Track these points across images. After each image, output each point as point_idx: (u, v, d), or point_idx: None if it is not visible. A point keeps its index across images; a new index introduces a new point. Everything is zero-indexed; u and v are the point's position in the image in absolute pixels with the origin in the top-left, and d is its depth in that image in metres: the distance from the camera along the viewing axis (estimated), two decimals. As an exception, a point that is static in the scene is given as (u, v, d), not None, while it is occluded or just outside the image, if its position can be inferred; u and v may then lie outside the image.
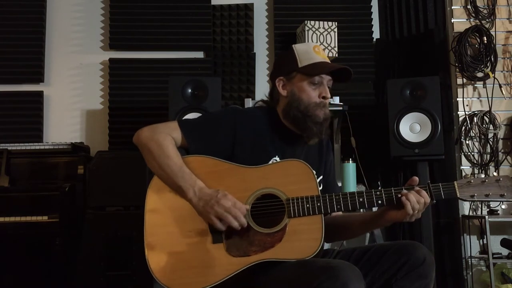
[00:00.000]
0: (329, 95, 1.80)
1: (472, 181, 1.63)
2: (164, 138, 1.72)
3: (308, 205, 1.62)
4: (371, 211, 1.86)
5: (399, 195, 1.63)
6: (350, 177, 3.24)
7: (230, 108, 2.03)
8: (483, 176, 1.63)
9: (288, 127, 1.82)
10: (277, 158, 1.76)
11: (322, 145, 1.92)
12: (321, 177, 1.88)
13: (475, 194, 1.62)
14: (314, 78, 1.78)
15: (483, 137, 3.67)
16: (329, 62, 1.82)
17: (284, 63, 1.86)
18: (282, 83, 1.83)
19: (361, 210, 2.55)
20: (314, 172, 1.66)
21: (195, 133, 1.77)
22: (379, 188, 3.68)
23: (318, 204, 1.62)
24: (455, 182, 1.64)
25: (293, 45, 1.86)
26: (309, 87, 1.78)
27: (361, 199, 1.64)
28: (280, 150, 1.78)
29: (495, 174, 1.69)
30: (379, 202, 1.64)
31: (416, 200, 1.60)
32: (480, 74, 3.68)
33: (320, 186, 1.78)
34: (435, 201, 1.64)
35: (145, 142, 1.74)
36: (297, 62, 1.79)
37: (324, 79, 1.79)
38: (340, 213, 1.86)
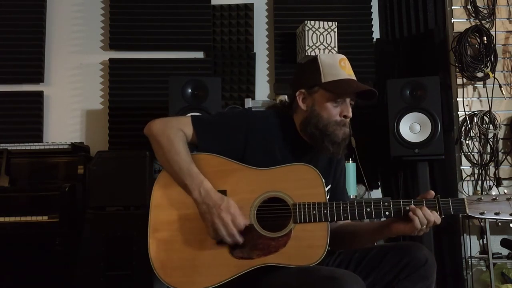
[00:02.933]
0: (350, 114, 1.74)
1: (482, 198, 1.61)
2: (176, 134, 1.70)
3: (314, 212, 1.60)
4: (379, 220, 1.83)
5: (407, 208, 1.61)
6: (350, 177, 3.24)
7: (245, 110, 1.99)
8: (494, 193, 1.61)
9: (302, 137, 1.78)
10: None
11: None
12: (329, 186, 1.85)
13: (485, 212, 1.60)
14: (338, 97, 1.71)
15: (483, 137, 3.68)
16: (355, 78, 1.75)
17: (306, 75, 1.77)
18: (303, 97, 1.76)
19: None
20: (323, 179, 1.64)
21: (208, 132, 1.74)
22: (379, 188, 3.72)
23: (325, 211, 1.60)
24: (465, 198, 1.62)
25: (318, 55, 1.78)
26: (330, 105, 1.71)
27: (368, 209, 1.62)
28: (289, 158, 1.73)
29: (506, 191, 1.67)
30: (387, 213, 1.62)
31: (425, 216, 1.58)
32: (480, 74, 3.68)
33: (327, 195, 1.77)
34: (443, 216, 1.62)
35: (156, 135, 1.72)
36: (321, 76, 1.71)
37: (347, 98, 1.73)
38: (348, 221, 1.83)
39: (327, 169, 1.85)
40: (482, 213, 1.60)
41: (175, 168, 1.66)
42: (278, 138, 1.77)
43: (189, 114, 3.06)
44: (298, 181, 1.64)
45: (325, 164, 1.85)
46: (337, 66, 1.73)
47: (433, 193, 1.64)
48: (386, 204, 1.62)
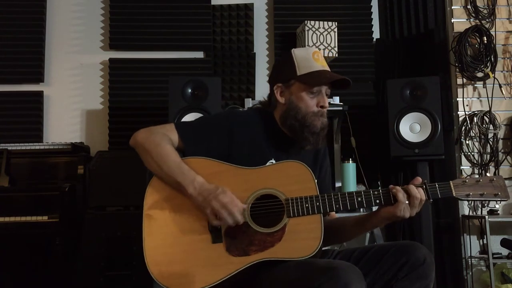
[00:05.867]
0: (327, 104, 1.79)
1: (467, 181, 1.66)
2: (162, 138, 1.72)
3: (307, 205, 1.62)
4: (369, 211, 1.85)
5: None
6: (350, 177, 3.24)
7: (226, 111, 2.02)
8: (477, 176, 1.65)
9: (284, 132, 1.82)
10: (273, 161, 1.76)
11: (318, 150, 1.90)
12: (315, 182, 1.87)
13: (470, 193, 1.65)
14: (313, 88, 1.76)
15: (483, 137, 3.68)
16: (328, 70, 1.80)
17: (282, 70, 1.84)
18: (280, 90, 1.82)
19: (361, 210, 2.57)
20: (312, 173, 1.66)
21: (192, 135, 1.77)
22: (379, 188, 3.72)
23: (317, 203, 1.62)
24: (450, 181, 1.66)
25: (292, 50, 1.83)
26: (307, 96, 1.77)
27: (359, 199, 1.65)
28: (275, 155, 1.78)
29: (488, 174, 1.72)
30: (377, 201, 1.65)
31: (405, 190, 1.61)
32: (480, 74, 3.68)
33: None
34: (431, 200, 1.65)
35: (142, 143, 1.73)
36: (296, 69, 1.77)
37: (322, 88, 1.78)
38: (336, 216, 1.87)
39: (313, 165, 1.87)
40: (468, 195, 1.65)
41: (165, 170, 1.67)
42: (261, 134, 1.80)
43: (189, 113, 3.10)
44: (288, 177, 1.67)
45: (311, 160, 1.88)
46: (311, 59, 1.78)
47: (420, 179, 1.67)
48: (376, 192, 1.65)
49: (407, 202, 1.61)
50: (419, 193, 1.61)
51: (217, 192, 1.61)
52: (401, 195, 1.60)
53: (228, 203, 1.59)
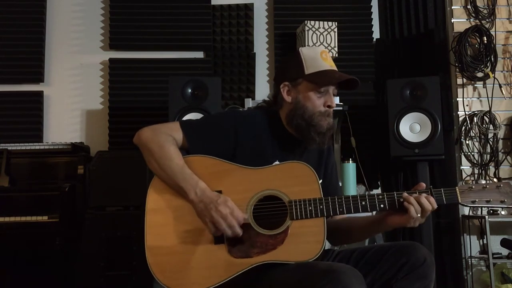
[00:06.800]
0: (334, 104, 1.78)
1: (473, 186, 1.63)
2: (166, 139, 1.71)
3: (310, 208, 1.61)
4: (374, 215, 1.84)
5: (401, 199, 1.62)
6: (350, 177, 3.24)
7: (232, 111, 2.00)
8: (483, 182, 1.62)
9: (290, 131, 1.81)
10: (277, 162, 1.74)
11: (323, 149, 1.89)
12: (321, 180, 1.85)
13: (476, 200, 1.62)
14: (321, 87, 1.75)
15: (483, 137, 3.68)
16: (336, 69, 1.79)
17: (290, 68, 1.82)
18: (287, 89, 1.80)
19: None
20: (317, 175, 1.65)
21: (197, 134, 1.75)
22: (379, 188, 3.72)
23: (321, 206, 1.61)
24: (456, 187, 1.63)
25: (299, 49, 1.82)
26: (314, 96, 1.75)
27: (363, 203, 1.63)
28: (279, 155, 1.77)
29: (495, 180, 1.68)
30: (381, 206, 1.64)
31: (419, 202, 1.59)
32: (480, 74, 3.68)
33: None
34: (436, 206, 1.63)
35: (146, 143, 1.72)
36: (304, 68, 1.76)
37: (330, 88, 1.77)
38: (344, 216, 1.85)
39: (317, 164, 1.87)
40: (473, 202, 1.62)
41: (168, 173, 1.66)
42: (266, 134, 1.79)
43: (189, 113, 3.10)
44: (292, 178, 1.65)
45: (315, 160, 1.87)
46: (319, 58, 1.76)
47: (424, 185, 1.66)
48: (380, 197, 1.64)
49: (418, 215, 1.60)
50: (429, 203, 1.60)
51: (218, 202, 1.60)
52: (413, 209, 1.59)
53: (228, 214, 1.58)
